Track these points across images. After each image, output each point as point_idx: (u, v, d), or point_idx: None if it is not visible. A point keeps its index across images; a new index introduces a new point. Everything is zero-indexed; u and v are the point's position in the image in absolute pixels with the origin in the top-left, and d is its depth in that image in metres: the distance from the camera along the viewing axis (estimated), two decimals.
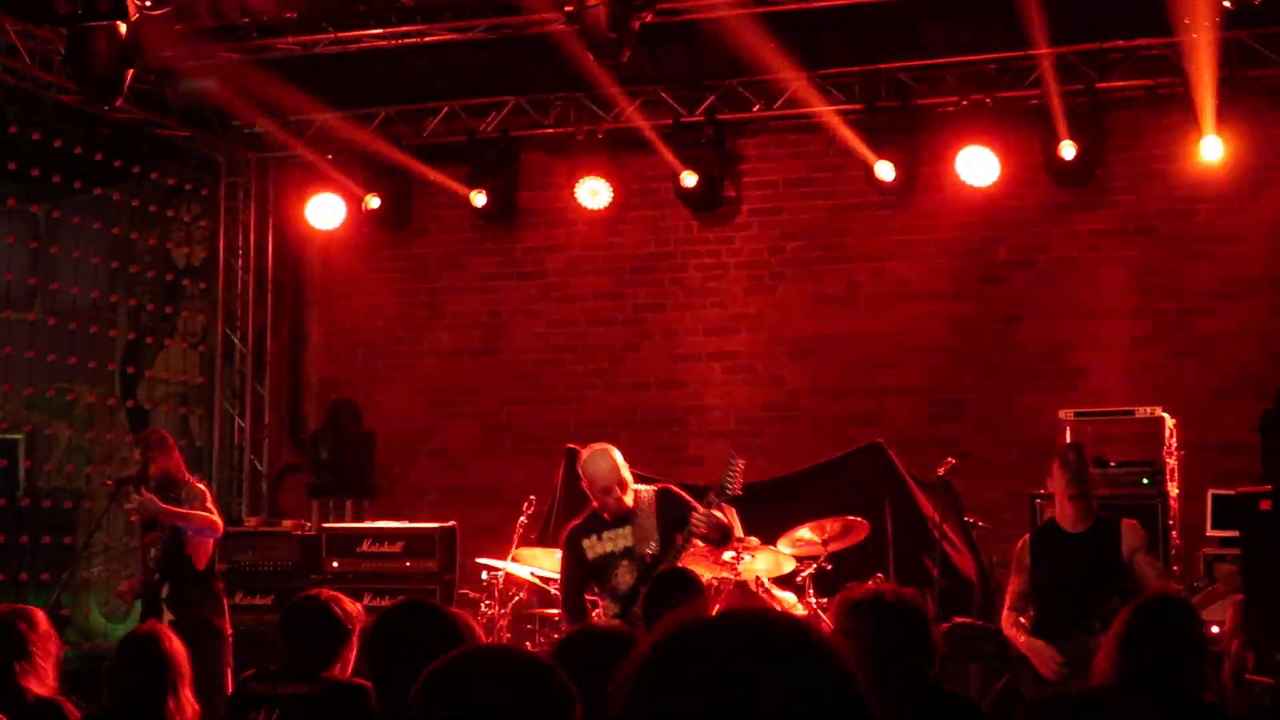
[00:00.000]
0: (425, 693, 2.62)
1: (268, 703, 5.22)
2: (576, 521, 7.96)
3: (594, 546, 7.74)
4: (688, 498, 7.75)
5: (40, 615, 5.83)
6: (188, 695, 5.27)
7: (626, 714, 1.72)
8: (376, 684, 4.49)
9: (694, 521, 7.44)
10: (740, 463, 7.52)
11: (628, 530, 7.68)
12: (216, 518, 8.58)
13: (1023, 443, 11.22)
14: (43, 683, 5.65)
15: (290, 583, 11.21)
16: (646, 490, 7.85)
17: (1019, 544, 7.77)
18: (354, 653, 5.38)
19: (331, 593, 5.60)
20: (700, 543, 7.81)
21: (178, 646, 5.32)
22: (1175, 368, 11.16)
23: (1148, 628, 4.79)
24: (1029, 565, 7.61)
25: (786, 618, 1.77)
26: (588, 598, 7.91)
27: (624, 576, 7.59)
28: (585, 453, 7.89)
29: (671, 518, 7.64)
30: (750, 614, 1.76)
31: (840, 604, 4.70)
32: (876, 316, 11.89)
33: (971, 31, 11.15)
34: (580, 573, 7.80)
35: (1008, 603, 7.69)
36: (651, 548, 7.60)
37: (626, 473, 7.75)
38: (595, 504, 7.80)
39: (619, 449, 11.80)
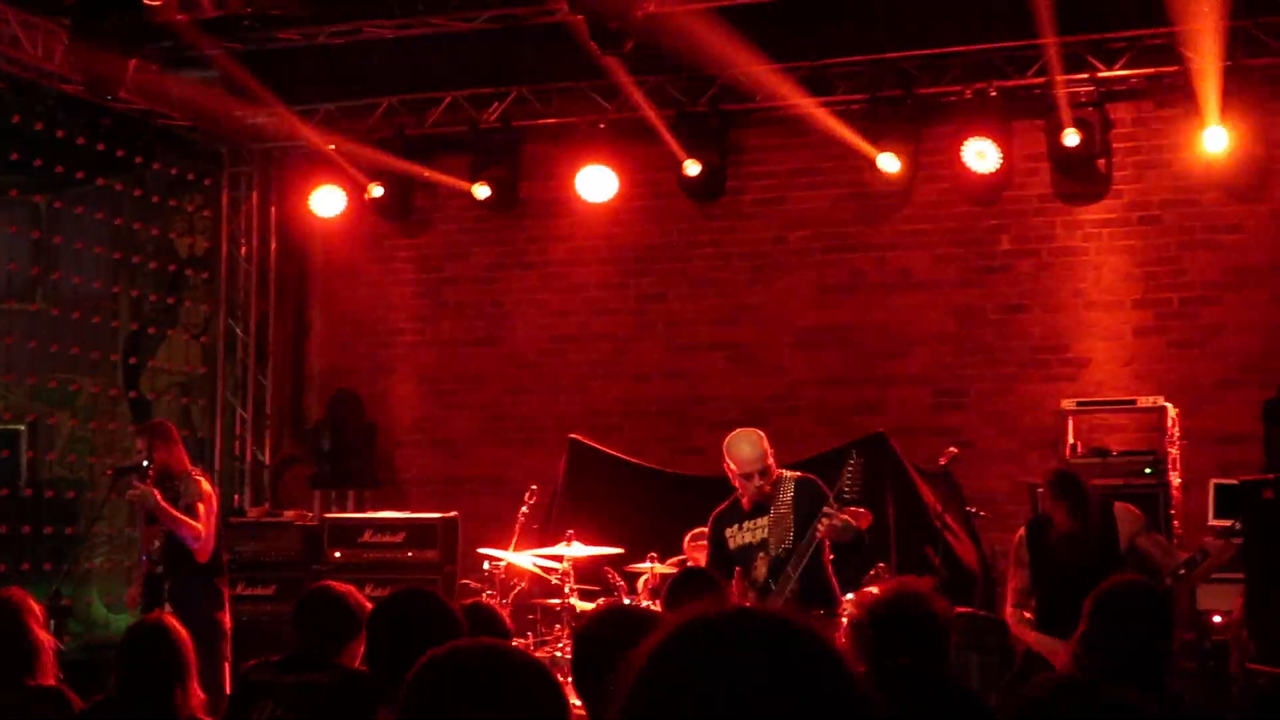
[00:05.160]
0: (416, 683, 2.61)
1: (274, 693, 5.22)
2: (722, 507, 7.86)
3: (735, 536, 7.65)
4: (825, 489, 7.54)
5: (30, 601, 5.83)
6: (194, 686, 5.28)
7: (630, 703, 1.73)
8: (373, 671, 4.49)
9: (818, 529, 7.29)
10: (858, 464, 7.35)
11: (764, 522, 7.56)
12: (201, 526, 8.43)
13: (1025, 432, 11.23)
14: (40, 671, 5.66)
15: (292, 573, 11.24)
16: (790, 476, 7.71)
17: (1015, 539, 7.77)
18: (363, 647, 5.38)
19: (345, 585, 5.61)
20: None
21: (184, 637, 5.33)
22: (1178, 357, 11.14)
23: (1108, 616, 4.77)
24: (1028, 560, 7.61)
25: (797, 619, 1.77)
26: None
27: (760, 569, 7.50)
28: (731, 435, 7.74)
29: (806, 514, 7.48)
30: (760, 614, 1.76)
31: (858, 604, 4.69)
32: (879, 306, 11.88)
33: (976, 21, 11.12)
34: (724, 561, 7.67)
35: (1010, 599, 7.69)
36: (787, 542, 7.48)
37: (772, 459, 7.63)
38: (737, 488, 7.68)
39: (622, 439, 11.94)
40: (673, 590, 6.50)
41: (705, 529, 9.12)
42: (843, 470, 7.36)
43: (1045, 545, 7.55)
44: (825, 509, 7.27)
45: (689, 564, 9.23)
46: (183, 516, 8.36)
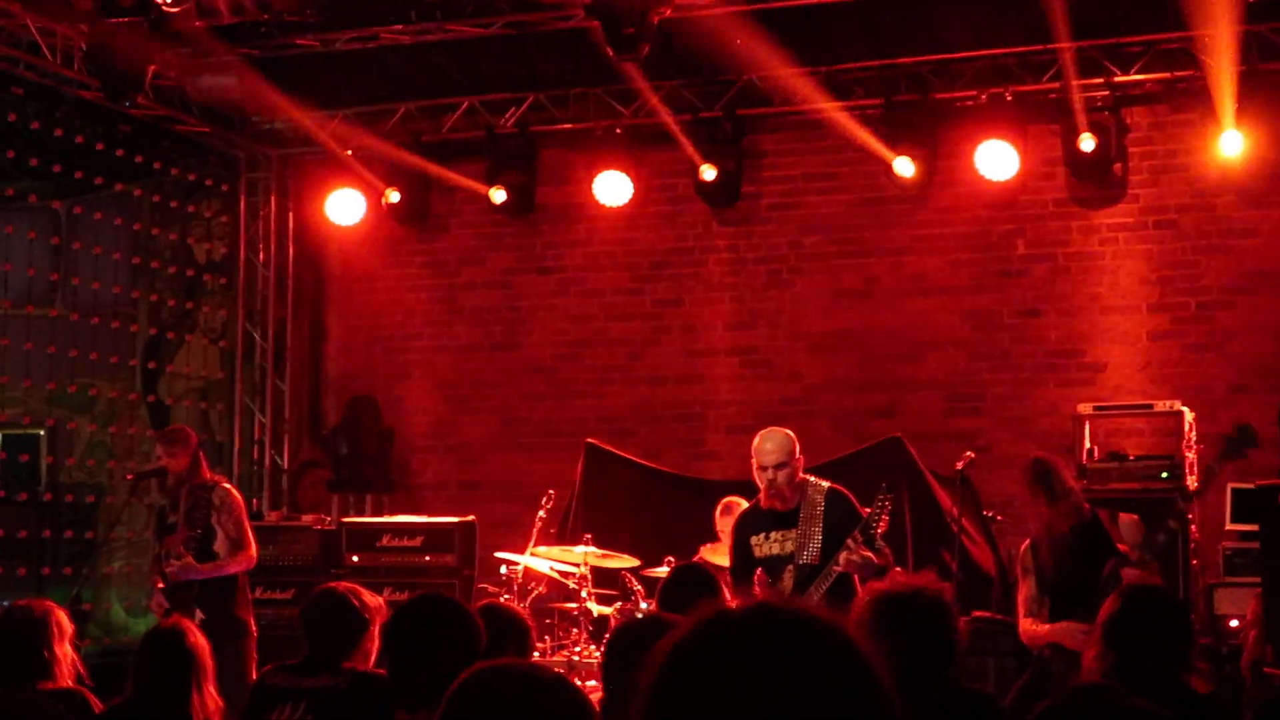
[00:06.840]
0: (452, 705, 2.63)
1: (292, 697, 5.25)
2: (746, 509, 7.76)
3: (761, 545, 7.49)
4: (859, 509, 7.39)
5: (57, 609, 5.87)
6: (211, 691, 5.30)
7: (652, 701, 1.71)
8: (392, 675, 4.52)
9: (842, 561, 7.16)
10: (887, 502, 7.23)
11: (792, 534, 7.40)
12: (253, 550, 8.66)
13: (1041, 437, 11.20)
14: (60, 676, 5.69)
15: (310, 577, 11.24)
16: (821, 486, 7.53)
17: (1021, 549, 7.73)
18: (375, 644, 5.41)
19: (349, 585, 5.63)
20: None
21: (201, 642, 5.35)
22: (1194, 361, 11.14)
23: (1134, 619, 4.79)
24: (1033, 568, 7.59)
25: (821, 614, 1.74)
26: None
27: (787, 581, 7.33)
28: (761, 431, 7.63)
29: (834, 528, 7.32)
30: (784, 609, 1.74)
31: (865, 597, 4.69)
32: (895, 311, 11.89)
33: (990, 25, 11.13)
34: (747, 566, 7.50)
35: (1022, 609, 7.65)
36: (813, 556, 7.33)
37: (796, 460, 7.45)
38: (756, 482, 7.54)
39: (637, 443, 11.96)
40: (667, 589, 6.37)
41: (736, 499, 9.06)
42: (872, 506, 7.27)
43: (1046, 552, 7.53)
44: (849, 541, 7.17)
45: (719, 536, 9.28)
46: (228, 562, 8.49)
